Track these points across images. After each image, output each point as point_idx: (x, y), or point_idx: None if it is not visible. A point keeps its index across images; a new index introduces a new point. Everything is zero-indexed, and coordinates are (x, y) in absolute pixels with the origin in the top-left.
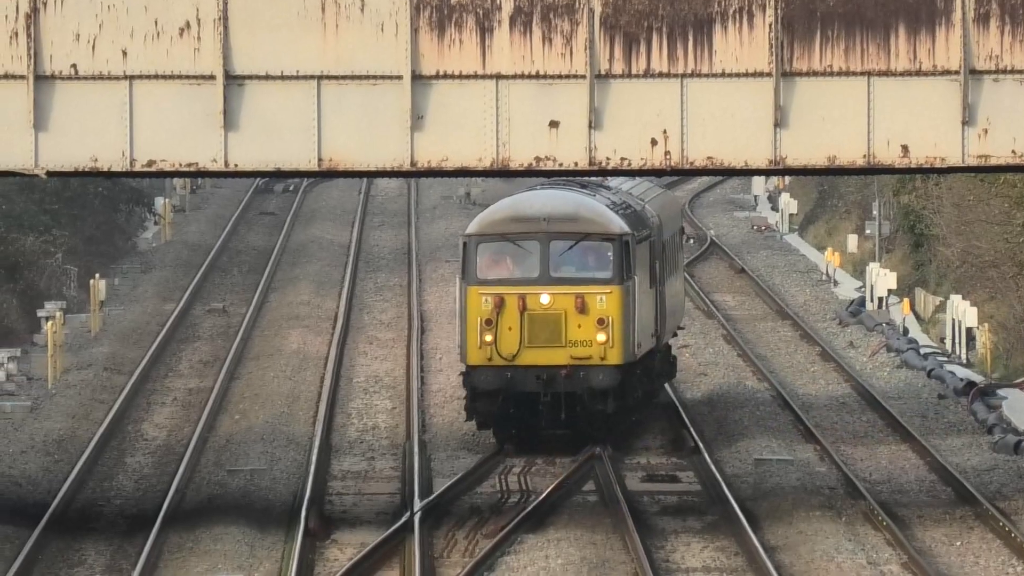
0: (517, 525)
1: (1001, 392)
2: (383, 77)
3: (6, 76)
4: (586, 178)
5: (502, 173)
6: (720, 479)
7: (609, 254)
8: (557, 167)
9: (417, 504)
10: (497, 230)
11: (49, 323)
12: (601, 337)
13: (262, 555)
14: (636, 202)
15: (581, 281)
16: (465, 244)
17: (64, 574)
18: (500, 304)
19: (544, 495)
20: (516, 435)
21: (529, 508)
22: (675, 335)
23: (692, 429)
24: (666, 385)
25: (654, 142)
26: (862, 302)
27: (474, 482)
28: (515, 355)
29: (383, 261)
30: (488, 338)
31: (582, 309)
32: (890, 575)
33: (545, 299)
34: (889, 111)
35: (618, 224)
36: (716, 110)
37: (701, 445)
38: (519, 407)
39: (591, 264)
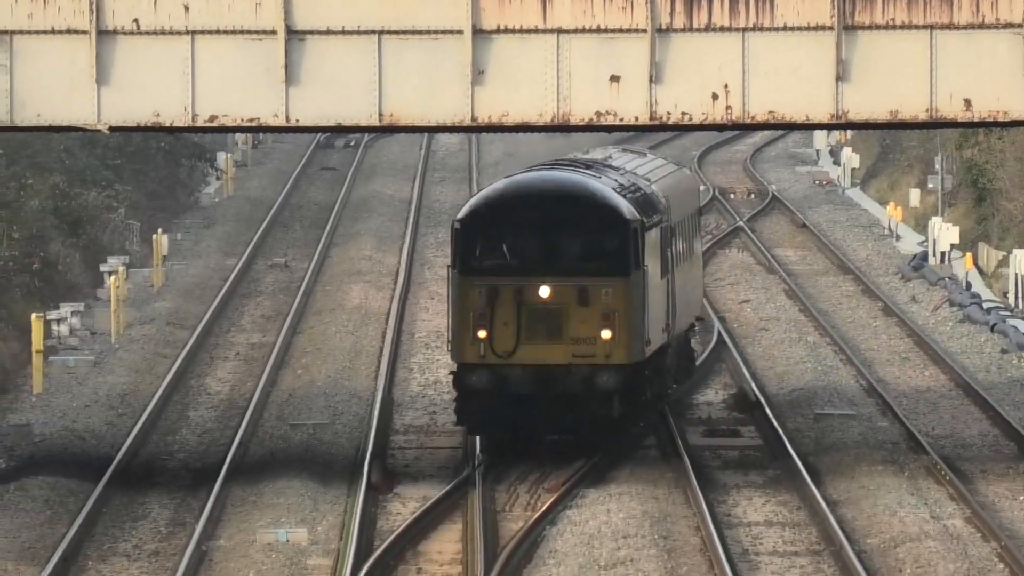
0: (579, 480)
1: None
2: (444, 32)
3: (69, 31)
4: (591, 159)
5: (562, 128)
6: (782, 434)
7: (616, 242)
8: (618, 122)
9: (479, 458)
10: (492, 215)
11: (112, 278)
12: (606, 333)
13: (325, 509)
14: (644, 183)
15: (584, 271)
16: (456, 230)
17: (128, 528)
18: (495, 296)
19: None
20: (511, 441)
21: (591, 462)
22: (693, 327)
23: (754, 384)
24: (723, 333)
25: (715, 96)
26: (924, 257)
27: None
28: (511, 352)
29: (444, 217)
30: (481, 334)
31: (585, 302)
32: (953, 530)
33: (544, 291)
34: (952, 65)
35: (626, 208)
36: (778, 64)
37: (763, 400)
38: (514, 410)
39: (596, 253)
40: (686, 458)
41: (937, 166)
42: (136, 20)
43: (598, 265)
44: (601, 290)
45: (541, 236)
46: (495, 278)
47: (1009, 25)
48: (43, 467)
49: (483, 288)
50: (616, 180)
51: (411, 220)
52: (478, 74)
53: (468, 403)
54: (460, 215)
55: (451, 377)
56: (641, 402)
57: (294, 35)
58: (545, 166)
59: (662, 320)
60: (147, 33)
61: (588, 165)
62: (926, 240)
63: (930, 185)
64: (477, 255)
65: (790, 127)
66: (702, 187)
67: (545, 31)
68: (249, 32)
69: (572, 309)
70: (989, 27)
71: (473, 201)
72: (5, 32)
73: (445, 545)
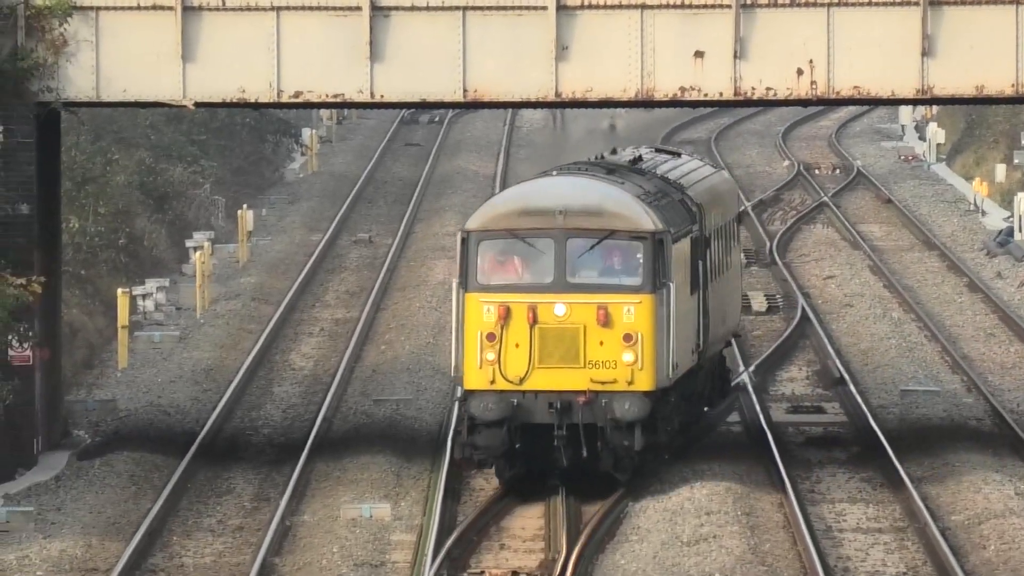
0: (661, 456)
1: None
2: (528, 8)
3: (155, 7)
4: (614, 162)
5: (646, 104)
6: (866, 410)
7: (639, 255)
8: (701, 97)
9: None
10: (503, 225)
11: (197, 253)
12: (628, 357)
13: (408, 484)
14: (674, 189)
15: (604, 288)
16: (463, 241)
17: (212, 503)
18: (505, 315)
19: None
20: (525, 475)
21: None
22: (729, 344)
23: (838, 360)
24: (808, 309)
25: (800, 72)
26: (1010, 232)
27: None
28: (523, 378)
29: None
30: (490, 356)
31: (605, 322)
32: None
33: (560, 310)
34: None
35: (650, 219)
36: (863, 39)
37: (847, 376)
38: (528, 441)
39: (617, 267)
40: (769, 435)
41: (1023, 141)
42: None
43: (620, 281)
44: (623, 308)
45: (557, 249)
46: (506, 295)
47: None
48: (128, 442)
49: (492, 305)
50: (641, 186)
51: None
52: (562, 49)
53: (475, 435)
54: (467, 225)
55: (456, 405)
56: (666, 433)
57: (378, 11)
58: (564, 170)
59: (692, 340)
60: (232, 9)
61: (611, 169)
62: (1012, 216)
63: (1016, 160)
64: (486, 269)
65: (875, 102)
66: (786, 163)
67: (629, 6)
68: (334, 8)
69: (591, 329)
70: None
71: (482, 209)
72: (91, 8)
73: (528, 521)
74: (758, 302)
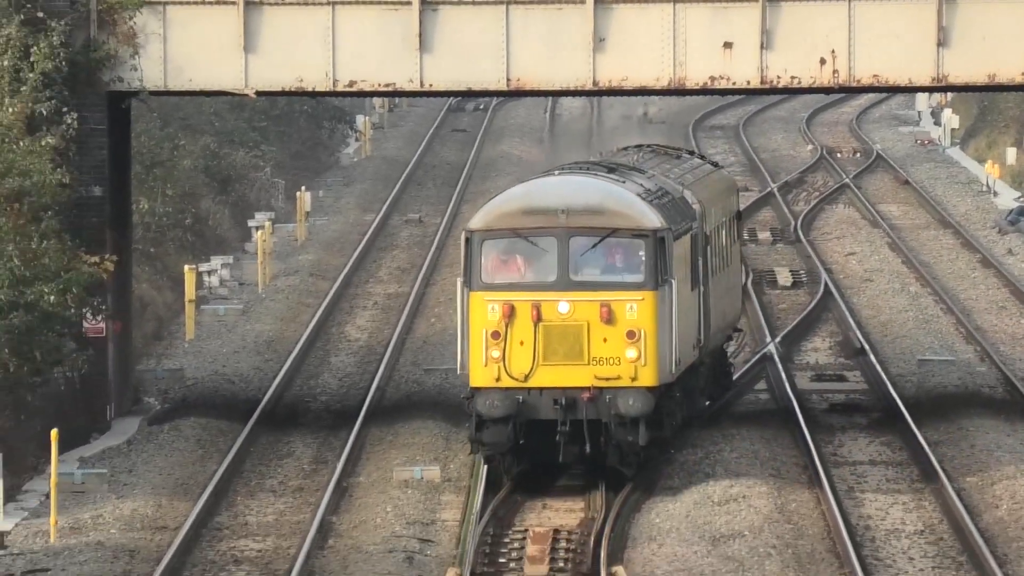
0: (693, 421)
1: None
2: (567, 1)
3: (219, 1)
4: (616, 161)
5: (678, 92)
6: (885, 378)
7: (641, 253)
8: (730, 86)
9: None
10: (506, 224)
11: (259, 232)
12: (631, 353)
13: (456, 448)
14: (674, 187)
15: (607, 286)
16: (467, 240)
17: (274, 465)
18: (510, 313)
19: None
20: (531, 470)
21: (705, 405)
22: (730, 339)
23: (859, 331)
24: (830, 284)
25: (823, 61)
26: (1021, 212)
27: None
28: (528, 375)
29: None
30: (495, 354)
31: (608, 319)
32: None
33: (564, 307)
34: None
35: (652, 217)
36: (882, 30)
37: (867, 347)
38: (533, 437)
39: (619, 265)
40: (795, 401)
41: None
42: None
43: (622, 278)
44: (626, 305)
45: (560, 247)
46: (510, 293)
47: None
48: (195, 409)
49: (497, 304)
50: (642, 185)
51: None
52: (599, 41)
53: (482, 431)
54: (471, 224)
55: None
56: (670, 427)
57: (427, 5)
58: (565, 170)
59: (693, 336)
60: (291, 3)
61: (612, 168)
62: (1022, 196)
63: None
64: (490, 268)
65: (893, 90)
66: (810, 147)
67: (661, 0)
68: (385, 2)
69: (594, 327)
70: None
71: (485, 208)
72: (159, 2)
73: (569, 483)
74: (783, 277)
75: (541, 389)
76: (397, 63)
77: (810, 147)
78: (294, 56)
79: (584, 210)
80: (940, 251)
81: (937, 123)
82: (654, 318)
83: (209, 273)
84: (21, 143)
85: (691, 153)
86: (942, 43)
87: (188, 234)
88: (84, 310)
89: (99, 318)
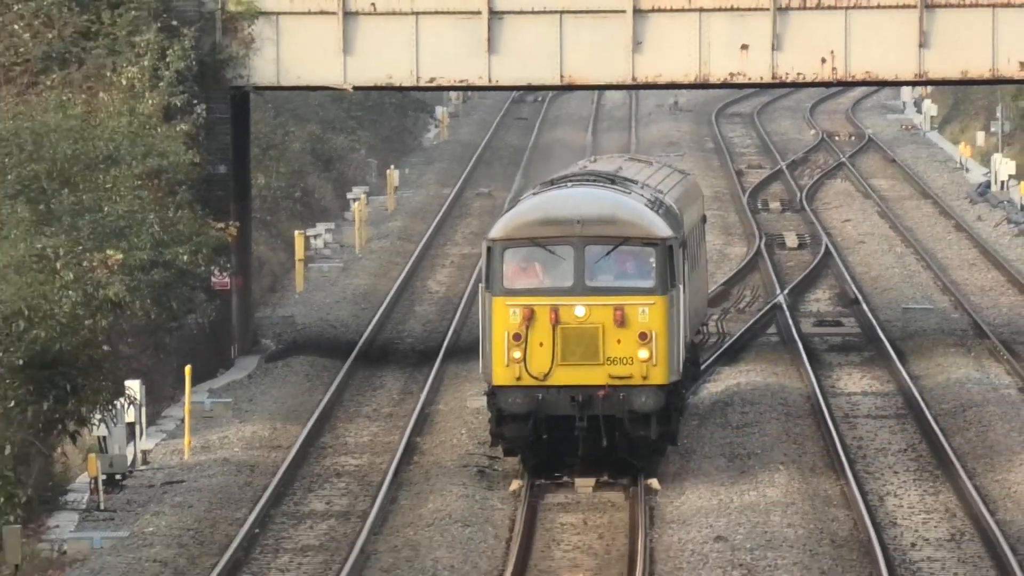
0: (715, 360)
1: None
2: (610, 11)
3: (321, 12)
4: (608, 171)
5: (703, 86)
6: (875, 323)
7: (651, 260)
8: (747, 80)
9: None
10: (525, 234)
11: (356, 203)
12: (643, 354)
13: None
14: (664, 196)
15: (620, 291)
16: (489, 249)
17: (368, 395)
18: (529, 317)
19: (736, 336)
20: (548, 463)
21: (724, 347)
22: (699, 333)
23: (853, 285)
24: (830, 245)
25: (823, 60)
26: (988, 185)
27: None
28: (547, 374)
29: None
30: (516, 355)
31: (622, 322)
32: (1008, 398)
33: (580, 311)
34: (1009, 35)
35: (660, 226)
36: (873, 35)
37: (860, 297)
38: (551, 432)
39: (631, 271)
40: (800, 343)
41: (998, 114)
42: (373, 3)
43: (634, 284)
44: (638, 309)
45: (576, 255)
46: (529, 298)
47: None
48: (303, 349)
49: (517, 308)
50: (642, 195)
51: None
52: (637, 44)
53: (503, 426)
54: (492, 233)
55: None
56: (676, 422)
57: (495, 15)
58: (574, 182)
59: (688, 335)
60: (382, 14)
61: (612, 180)
62: (989, 172)
63: (992, 129)
64: (510, 275)
65: (882, 84)
66: (812, 131)
67: (690, 10)
68: (460, 12)
69: (609, 329)
70: None
71: (505, 218)
72: (273, 13)
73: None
74: (791, 240)
75: (559, 387)
76: (469, 63)
77: (813, 131)
78: (384, 57)
79: (598, 220)
80: (921, 218)
81: (919, 111)
82: (664, 321)
83: (315, 237)
84: (159, 130)
85: (657, 162)
86: (923, 45)
87: (297, 204)
88: (212, 268)
89: (224, 274)
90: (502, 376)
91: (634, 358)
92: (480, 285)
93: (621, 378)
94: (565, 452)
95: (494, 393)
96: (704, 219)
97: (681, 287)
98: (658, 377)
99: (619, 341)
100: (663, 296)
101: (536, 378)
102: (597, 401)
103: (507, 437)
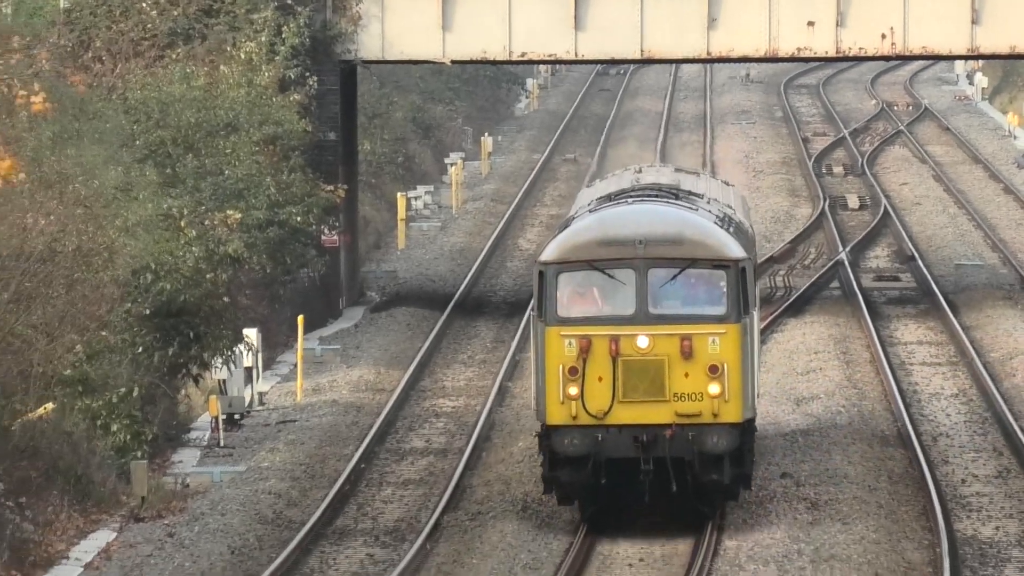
0: (782, 312)
1: None
2: None
3: None
4: (670, 185)
5: (772, 60)
6: (930, 278)
7: (722, 284)
8: (812, 55)
9: None
10: (582, 256)
11: (453, 168)
12: (714, 389)
13: None
14: (731, 211)
15: (688, 319)
16: (542, 274)
17: (464, 343)
18: (587, 348)
19: (802, 290)
20: (610, 511)
21: (791, 299)
22: None
23: (910, 243)
24: (888, 207)
25: (883, 36)
26: None
27: None
28: (606, 412)
29: (686, 123)
30: (573, 391)
31: (689, 354)
32: None
33: (643, 342)
34: None
35: (732, 246)
36: (929, 12)
37: (916, 254)
38: (612, 477)
39: (700, 297)
40: (860, 296)
41: None
42: None
43: (703, 311)
44: (707, 339)
45: (638, 279)
46: (587, 327)
47: None
48: (405, 300)
49: (574, 339)
50: (710, 211)
51: (663, 127)
52: (712, 21)
53: (558, 470)
54: (544, 256)
55: (536, 440)
56: (751, 463)
57: None
58: (635, 198)
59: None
60: None
61: (676, 195)
62: None
63: None
64: (566, 302)
65: (937, 58)
66: (873, 101)
67: None
68: None
69: (675, 361)
70: None
71: (559, 239)
72: None
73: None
74: (853, 201)
75: (620, 427)
76: (557, 38)
77: (873, 102)
78: (480, 33)
79: (662, 240)
80: (972, 182)
81: (971, 83)
82: (737, 352)
83: (416, 198)
84: (275, 100)
85: (704, 172)
86: (975, 22)
87: (400, 169)
88: (322, 226)
89: (333, 232)
90: (557, 415)
91: (704, 393)
92: (531, 313)
93: (689, 416)
94: (627, 499)
95: (548, 434)
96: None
97: (755, 313)
98: (731, 415)
99: (687, 375)
100: (736, 324)
101: (595, 417)
102: (663, 442)
103: (562, 483)
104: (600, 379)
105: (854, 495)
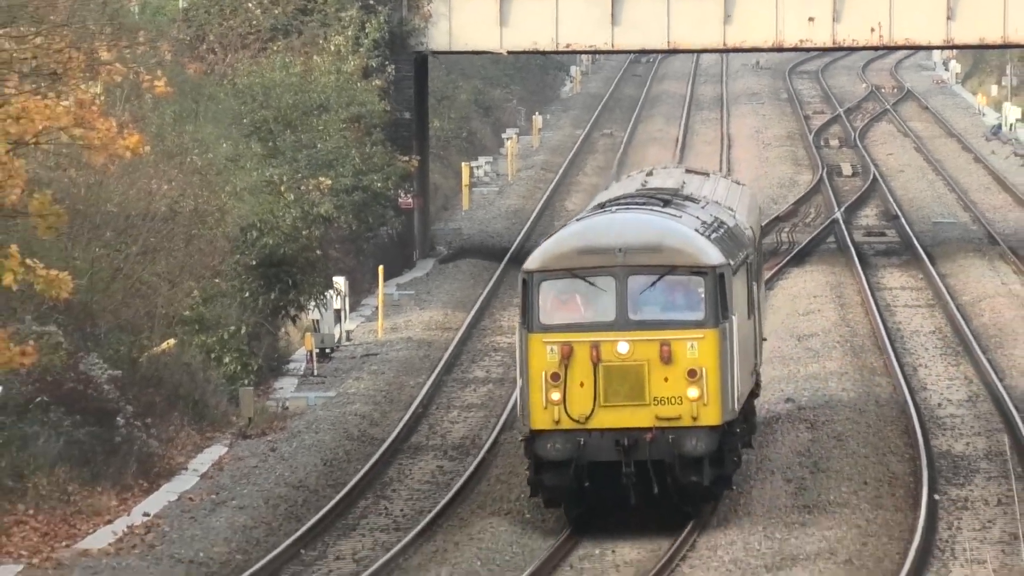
0: (787, 263)
1: None
2: None
3: None
4: (667, 188)
5: (779, 50)
6: (911, 234)
7: (700, 290)
8: (813, 45)
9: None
10: (563, 264)
11: (509, 141)
12: (693, 393)
13: None
14: (728, 214)
15: (667, 324)
16: (525, 282)
17: (514, 292)
18: (569, 354)
19: (803, 244)
20: (593, 512)
21: (794, 252)
22: (754, 372)
23: (894, 204)
24: (877, 174)
25: (872, 29)
26: (999, 127)
27: None
28: (588, 416)
29: (706, 103)
30: (555, 396)
31: (668, 359)
32: (1015, 291)
33: (623, 347)
34: (1018, 10)
35: (711, 253)
36: (911, 8)
37: (899, 213)
38: (595, 479)
39: (679, 303)
40: (852, 248)
41: (1008, 71)
42: None
43: (682, 317)
44: (686, 344)
45: (618, 286)
46: (568, 334)
47: None
48: (469, 253)
49: (556, 345)
50: (697, 217)
51: (686, 106)
52: (727, 17)
53: (542, 474)
54: (528, 264)
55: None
56: (732, 465)
57: None
58: (620, 206)
59: (750, 365)
60: None
61: (665, 201)
62: (1000, 116)
63: (1003, 83)
64: (548, 309)
65: (918, 48)
66: (864, 85)
67: None
68: None
69: (655, 366)
70: None
71: (542, 249)
72: None
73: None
74: (846, 169)
75: (602, 431)
76: (597, 32)
77: (864, 85)
78: (531, 28)
79: (642, 248)
80: (947, 152)
81: (946, 69)
82: (715, 356)
83: (477, 167)
84: (359, 85)
85: (715, 174)
86: (950, 17)
87: (464, 142)
88: (399, 191)
89: (408, 196)
90: (540, 420)
91: (683, 397)
92: (516, 322)
93: (669, 419)
94: (611, 502)
95: (532, 438)
96: (762, 228)
97: (735, 318)
98: (710, 417)
99: (666, 379)
100: (714, 329)
101: (576, 421)
102: (644, 445)
103: (547, 486)
104: (582, 384)
105: (847, 417)
